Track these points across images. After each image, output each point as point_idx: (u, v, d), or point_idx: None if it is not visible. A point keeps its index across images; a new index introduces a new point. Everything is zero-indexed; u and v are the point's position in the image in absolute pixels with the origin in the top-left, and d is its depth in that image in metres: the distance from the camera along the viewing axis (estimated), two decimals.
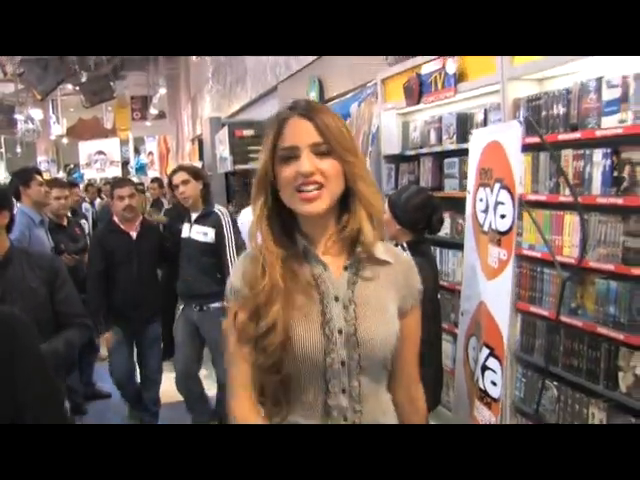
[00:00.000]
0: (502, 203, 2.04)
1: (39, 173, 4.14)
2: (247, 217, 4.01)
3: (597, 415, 2.53)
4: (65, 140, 18.48)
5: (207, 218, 3.63)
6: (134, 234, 3.75)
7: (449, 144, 3.34)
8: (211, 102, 11.11)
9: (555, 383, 2.75)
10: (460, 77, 3.16)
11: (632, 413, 2.36)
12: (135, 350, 3.97)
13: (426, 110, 3.64)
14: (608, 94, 2.31)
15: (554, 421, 2.76)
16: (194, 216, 3.68)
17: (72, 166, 19.39)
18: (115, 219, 3.80)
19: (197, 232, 3.64)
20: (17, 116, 14.17)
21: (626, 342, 2.34)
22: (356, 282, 1.25)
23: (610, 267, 2.37)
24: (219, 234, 3.58)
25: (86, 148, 17.25)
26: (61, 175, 16.80)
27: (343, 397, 1.22)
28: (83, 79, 11.86)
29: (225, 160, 6.63)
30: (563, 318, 2.65)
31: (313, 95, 5.75)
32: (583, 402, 2.60)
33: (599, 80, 2.35)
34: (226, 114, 9.35)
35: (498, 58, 2.82)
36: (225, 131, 6.61)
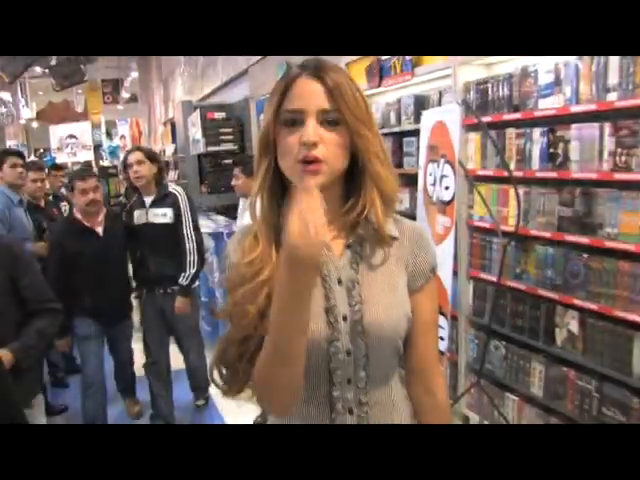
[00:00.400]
0: (446, 176, 2.28)
1: (16, 154, 4.26)
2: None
3: (537, 367, 2.81)
4: (35, 124, 18.31)
5: (164, 200, 3.58)
6: (100, 230, 3.44)
7: (407, 124, 3.57)
8: (183, 85, 11.17)
9: (503, 343, 3.03)
10: (417, 62, 3.39)
11: (565, 364, 2.65)
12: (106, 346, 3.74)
13: (387, 93, 3.87)
14: (544, 79, 2.56)
15: (502, 376, 3.04)
16: (148, 200, 3.59)
17: (42, 150, 19.23)
18: (77, 215, 3.44)
19: (155, 215, 3.57)
20: None
21: (561, 301, 2.61)
22: (359, 262, 1.12)
23: (547, 234, 2.64)
24: (177, 213, 3.57)
25: (57, 132, 17.09)
26: (32, 160, 16.68)
27: (348, 388, 1.10)
28: (53, 62, 11.82)
29: (197, 142, 6.78)
30: (509, 283, 2.92)
31: None
32: (526, 357, 2.88)
33: (535, 66, 2.60)
34: (198, 97, 9.46)
35: None
36: (197, 114, 6.75)
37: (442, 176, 2.30)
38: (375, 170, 1.07)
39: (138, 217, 3.60)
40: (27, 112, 16.59)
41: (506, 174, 2.84)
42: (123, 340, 3.74)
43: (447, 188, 2.27)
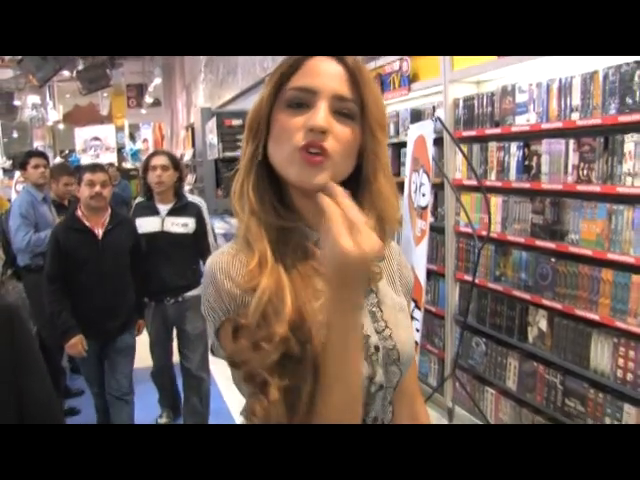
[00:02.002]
0: (423, 184, 2.54)
1: (39, 156, 4.57)
2: None
3: (512, 363, 3.04)
4: (61, 126, 18.85)
5: (185, 209, 3.50)
6: (99, 232, 3.13)
7: (404, 136, 3.82)
8: (204, 91, 11.54)
9: (484, 340, 3.27)
10: (413, 78, 3.65)
11: (536, 359, 2.88)
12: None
13: (387, 106, 4.13)
14: (520, 97, 2.81)
15: (482, 371, 3.27)
16: (164, 208, 3.47)
17: (67, 152, 19.77)
18: (78, 213, 3.16)
19: (174, 224, 3.46)
20: (16, 102, 14.54)
21: (532, 301, 2.85)
22: (371, 279, 0.96)
23: (522, 240, 2.88)
24: (200, 223, 3.52)
25: (82, 134, 17.59)
26: (57, 161, 17.21)
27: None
28: (80, 67, 12.27)
29: (214, 147, 7.10)
30: (490, 284, 3.16)
31: None
32: (503, 353, 3.11)
33: (513, 86, 2.85)
34: (217, 104, 9.80)
35: (441, 64, 3.30)
36: (214, 120, 7.07)
37: (421, 184, 2.56)
38: (380, 183, 0.91)
39: (150, 224, 3.46)
40: (54, 114, 17.11)
41: (488, 183, 3.09)
42: (119, 360, 3.26)
43: (424, 195, 2.53)
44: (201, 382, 3.64)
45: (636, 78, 2.20)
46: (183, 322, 3.54)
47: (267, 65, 7.51)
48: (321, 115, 0.85)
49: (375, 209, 0.90)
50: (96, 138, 17.61)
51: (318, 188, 0.82)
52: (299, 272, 0.88)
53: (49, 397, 1.20)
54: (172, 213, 3.48)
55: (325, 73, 0.87)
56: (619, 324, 2.35)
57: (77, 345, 3.02)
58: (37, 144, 19.11)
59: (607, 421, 2.44)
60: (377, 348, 0.94)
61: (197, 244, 3.52)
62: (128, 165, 16.25)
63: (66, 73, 13.79)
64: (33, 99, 14.86)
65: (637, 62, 2.19)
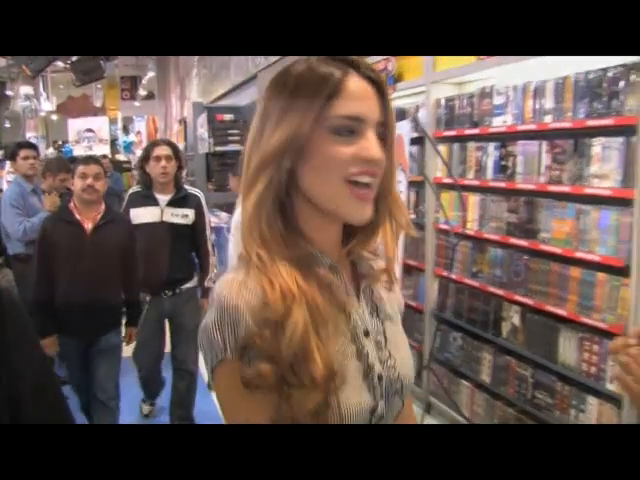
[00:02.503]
0: (400, 181, 2.63)
1: (28, 147, 4.61)
2: None
3: (487, 357, 3.14)
4: (54, 117, 18.83)
5: (185, 200, 3.49)
6: (89, 226, 3.02)
7: None
8: (197, 86, 11.58)
9: (460, 334, 3.36)
10: (398, 77, 3.73)
11: (509, 354, 2.97)
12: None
13: None
14: (497, 99, 2.89)
15: (459, 365, 3.37)
16: (165, 198, 3.45)
17: (60, 142, 19.74)
18: (71, 205, 3.08)
19: (174, 215, 3.44)
20: (9, 92, 14.52)
21: (506, 297, 2.94)
22: (375, 308, 0.96)
23: (497, 237, 2.97)
24: (200, 214, 3.52)
25: (75, 125, 17.54)
26: (50, 152, 17.20)
27: None
28: (74, 58, 12.28)
29: (205, 141, 7.17)
30: (467, 280, 3.26)
31: None
32: (478, 348, 3.21)
33: (491, 88, 2.94)
34: (210, 98, 9.85)
35: (424, 65, 3.39)
36: (206, 115, 7.14)
37: (398, 181, 2.65)
38: (394, 198, 0.92)
39: (149, 215, 3.42)
40: (47, 105, 17.10)
41: (466, 182, 3.18)
42: (104, 362, 3.13)
43: (401, 192, 2.61)
44: (192, 375, 3.66)
45: (604, 84, 2.29)
46: (179, 315, 3.51)
47: (259, 62, 7.57)
48: (377, 146, 0.84)
49: (391, 217, 0.92)
50: (89, 130, 17.57)
51: (363, 221, 0.87)
52: (319, 305, 0.84)
53: (45, 380, 1.15)
54: (172, 204, 3.45)
55: (367, 97, 0.85)
56: (585, 320, 2.45)
57: (49, 347, 2.92)
58: (30, 135, 19.08)
59: (572, 412, 2.54)
60: (380, 378, 0.91)
61: (195, 236, 3.51)
62: (121, 157, 16.26)
63: (60, 64, 13.81)
64: (26, 90, 14.84)
65: (604, 69, 2.28)
